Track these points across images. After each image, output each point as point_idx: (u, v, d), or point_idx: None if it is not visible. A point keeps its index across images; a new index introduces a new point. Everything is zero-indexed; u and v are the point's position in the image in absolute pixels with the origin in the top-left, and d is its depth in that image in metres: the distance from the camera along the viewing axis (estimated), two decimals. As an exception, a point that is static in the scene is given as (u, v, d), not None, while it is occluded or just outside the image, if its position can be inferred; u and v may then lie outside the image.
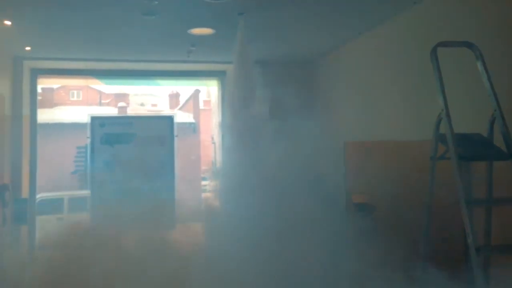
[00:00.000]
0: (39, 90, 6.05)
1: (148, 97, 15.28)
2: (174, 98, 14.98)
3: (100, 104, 14.85)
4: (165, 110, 14.16)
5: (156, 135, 5.78)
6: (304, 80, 5.59)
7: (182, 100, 14.63)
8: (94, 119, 5.76)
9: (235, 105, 4.05)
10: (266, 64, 4.01)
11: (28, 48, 5.11)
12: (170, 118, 6.02)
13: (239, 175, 3.57)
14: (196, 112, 13.46)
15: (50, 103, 12.87)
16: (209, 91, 10.25)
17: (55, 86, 12.68)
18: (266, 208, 3.13)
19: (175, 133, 5.83)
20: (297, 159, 3.43)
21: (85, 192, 6.22)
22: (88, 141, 5.68)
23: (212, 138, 7.25)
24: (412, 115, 3.80)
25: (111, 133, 5.65)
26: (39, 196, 6.09)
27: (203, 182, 6.26)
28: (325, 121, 3.50)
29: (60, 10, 3.80)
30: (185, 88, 12.99)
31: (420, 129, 3.57)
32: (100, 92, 14.85)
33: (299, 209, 3.16)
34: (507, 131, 2.60)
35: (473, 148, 2.65)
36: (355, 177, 3.17)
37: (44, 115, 8.11)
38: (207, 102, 13.30)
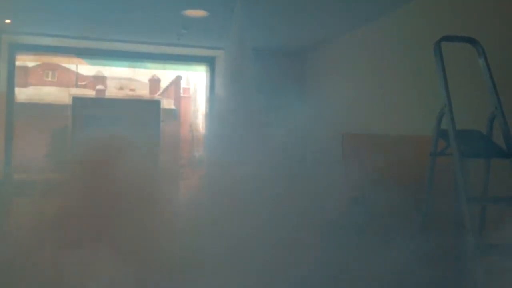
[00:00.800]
0: (13, 68, 5.76)
1: (127, 81, 14.84)
2: (154, 83, 14.62)
3: (77, 86, 14.33)
4: (144, 96, 13.81)
5: (141, 119, 5.59)
6: (297, 71, 5.52)
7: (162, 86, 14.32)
8: (76, 99, 5.51)
9: (227, 91, 3.94)
10: (258, 53, 3.92)
11: (8, 21, 4.81)
12: (156, 103, 5.84)
13: (224, 165, 3.47)
14: (177, 98, 13.21)
15: (24, 82, 12.36)
16: (188, 78, 10.04)
17: (30, 64, 12.16)
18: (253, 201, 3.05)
19: (161, 118, 5.67)
20: (290, 150, 3.35)
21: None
22: (69, 122, 5.43)
23: (190, 126, 7.11)
24: (408, 109, 3.80)
25: (94, 115, 5.42)
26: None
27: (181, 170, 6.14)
28: (318, 113, 3.43)
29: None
30: (165, 73, 12.69)
31: (414, 123, 3.58)
32: (76, 74, 14.33)
33: (291, 201, 3.09)
34: (507, 130, 2.60)
35: (474, 145, 2.64)
36: (352, 170, 3.12)
37: (19, 95, 7.76)
38: (186, 90, 13.04)
